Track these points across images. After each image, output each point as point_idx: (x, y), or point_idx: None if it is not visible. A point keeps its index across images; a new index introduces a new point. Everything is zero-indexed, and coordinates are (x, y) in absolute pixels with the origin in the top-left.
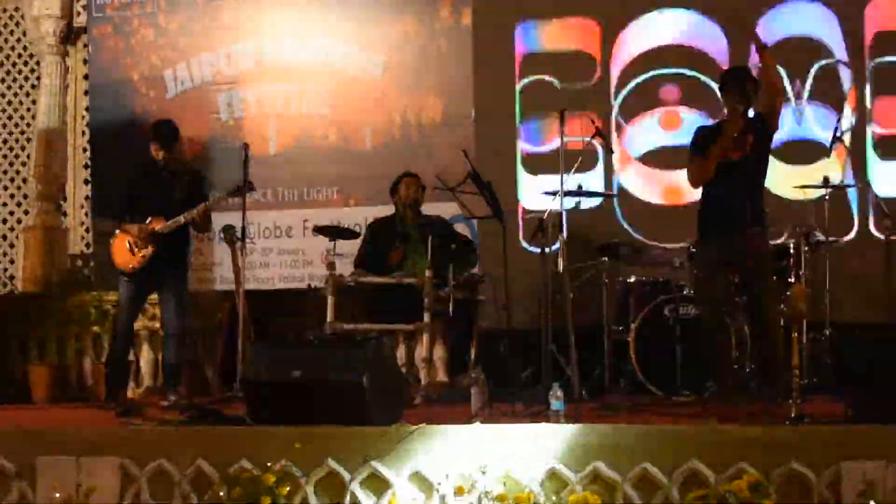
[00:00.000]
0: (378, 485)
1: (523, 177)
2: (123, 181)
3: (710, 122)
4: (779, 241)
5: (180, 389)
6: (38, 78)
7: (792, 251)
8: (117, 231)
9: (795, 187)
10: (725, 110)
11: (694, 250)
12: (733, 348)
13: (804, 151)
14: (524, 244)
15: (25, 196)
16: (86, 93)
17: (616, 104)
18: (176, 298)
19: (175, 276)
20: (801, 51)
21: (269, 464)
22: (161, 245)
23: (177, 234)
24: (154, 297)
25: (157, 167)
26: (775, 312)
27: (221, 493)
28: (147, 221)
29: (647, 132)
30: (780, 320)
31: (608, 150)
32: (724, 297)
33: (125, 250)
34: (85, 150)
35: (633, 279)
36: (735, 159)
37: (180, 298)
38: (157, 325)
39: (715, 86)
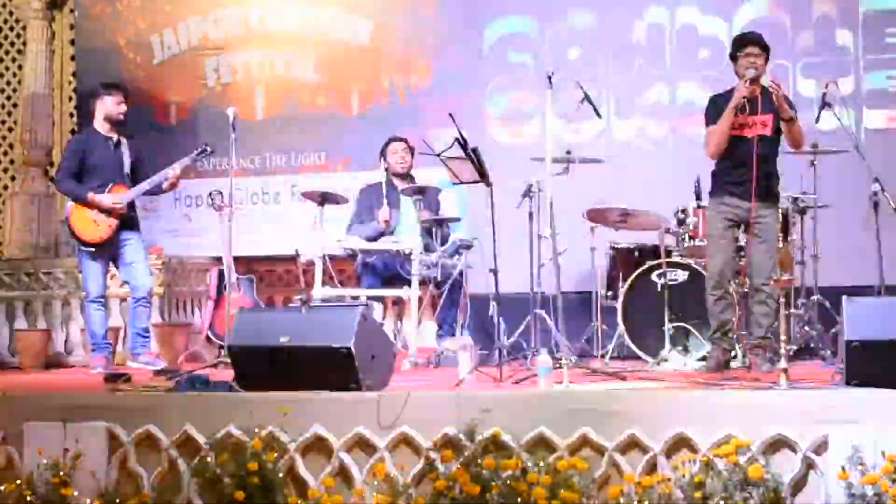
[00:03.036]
0: (365, 450)
1: (511, 141)
2: (66, 154)
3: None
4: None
5: (150, 351)
6: (24, 43)
7: (780, 217)
8: (73, 205)
9: (785, 153)
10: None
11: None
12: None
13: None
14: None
15: (12, 162)
16: (72, 58)
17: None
18: (143, 262)
19: (136, 240)
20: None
21: (256, 429)
22: (121, 213)
23: (130, 201)
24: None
25: (104, 136)
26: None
27: (209, 459)
28: (107, 190)
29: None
30: (778, 294)
31: (596, 115)
32: (730, 258)
33: (90, 222)
34: (72, 115)
35: (621, 244)
36: (752, 137)
37: (145, 261)
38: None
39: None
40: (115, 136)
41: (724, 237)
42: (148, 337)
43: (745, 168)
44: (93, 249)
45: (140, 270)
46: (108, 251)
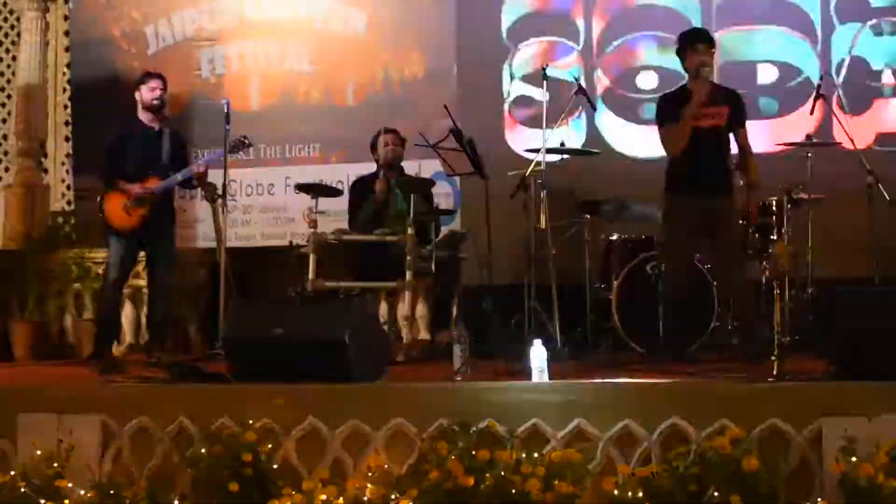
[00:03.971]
0: (359, 442)
1: (506, 133)
2: (106, 139)
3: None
4: (762, 200)
5: (165, 347)
6: (19, 34)
7: (774, 209)
8: (108, 191)
9: (778, 144)
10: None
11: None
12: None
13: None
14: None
15: (6, 153)
16: (66, 49)
17: (600, 62)
18: (167, 256)
19: (166, 233)
20: None
21: (250, 421)
22: (154, 204)
23: (166, 192)
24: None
25: (144, 127)
26: (740, 276)
27: (203, 451)
28: (142, 180)
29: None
30: (746, 282)
31: (591, 107)
32: (688, 256)
33: (120, 210)
34: (66, 106)
35: (615, 236)
36: (707, 127)
37: (171, 256)
38: (140, 283)
39: None
40: (155, 126)
41: (682, 237)
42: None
43: (703, 161)
44: (119, 236)
45: (161, 266)
46: (136, 240)
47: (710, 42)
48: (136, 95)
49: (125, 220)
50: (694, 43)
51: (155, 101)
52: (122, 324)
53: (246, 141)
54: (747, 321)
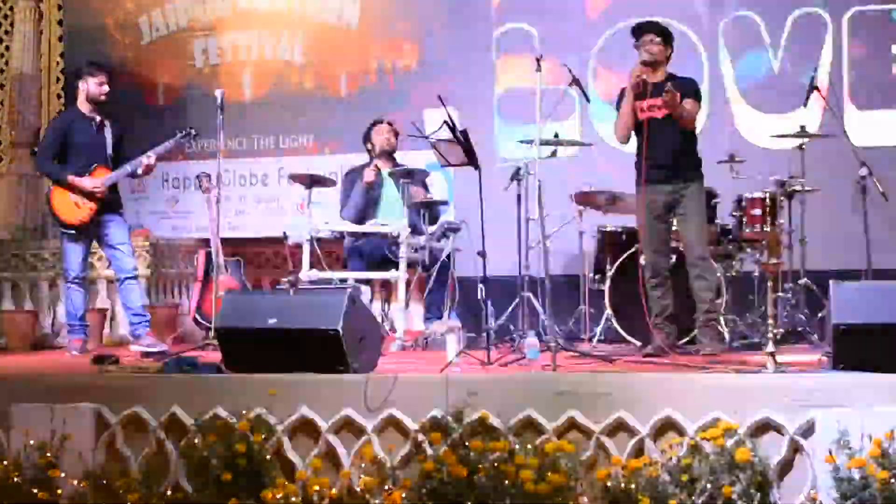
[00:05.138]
0: (353, 432)
1: (499, 124)
2: (45, 132)
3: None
4: (755, 192)
5: (151, 333)
6: (12, 24)
7: (768, 201)
8: (53, 186)
9: (772, 136)
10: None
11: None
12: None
13: (781, 100)
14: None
15: None
16: (60, 39)
17: (594, 52)
18: (126, 242)
19: (119, 222)
20: None
21: (243, 411)
22: (103, 196)
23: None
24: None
25: (87, 117)
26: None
27: (196, 441)
28: (89, 173)
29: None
30: (715, 268)
31: (585, 99)
32: (663, 244)
33: (71, 204)
34: (59, 96)
35: (608, 228)
36: (661, 118)
37: (129, 243)
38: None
39: (693, 35)
40: (97, 118)
41: (653, 224)
42: (146, 317)
43: (659, 150)
44: (73, 231)
45: (124, 251)
46: (89, 233)
47: (652, 31)
48: (81, 85)
49: (76, 215)
50: (638, 34)
51: (102, 97)
52: (116, 312)
53: (192, 131)
54: (711, 304)
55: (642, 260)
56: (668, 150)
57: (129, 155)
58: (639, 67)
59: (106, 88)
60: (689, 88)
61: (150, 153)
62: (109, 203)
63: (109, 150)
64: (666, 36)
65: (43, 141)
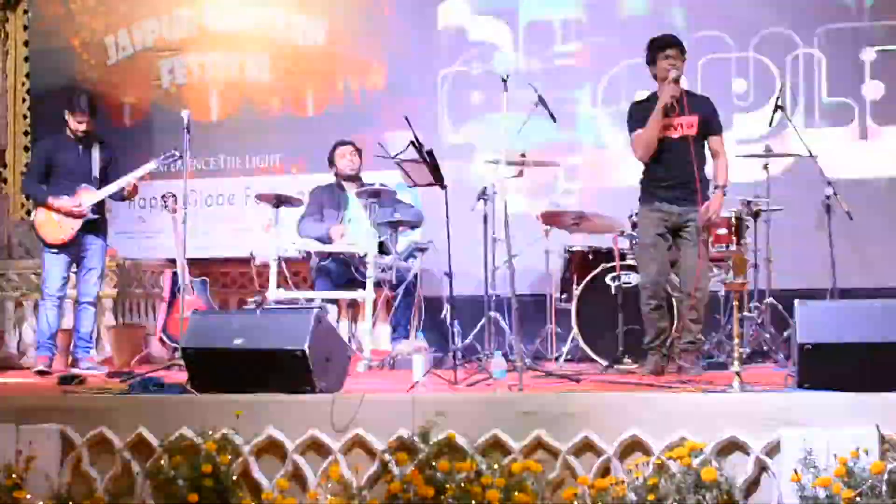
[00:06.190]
0: (319, 452)
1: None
2: (35, 151)
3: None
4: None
5: (90, 358)
6: None
7: (734, 220)
8: (40, 206)
9: (738, 156)
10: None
11: (636, 218)
12: (667, 318)
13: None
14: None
15: None
16: (26, 59)
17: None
18: (100, 268)
19: (100, 246)
20: (747, 19)
21: (210, 432)
22: (87, 215)
23: (98, 204)
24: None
25: (73, 140)
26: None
27: (162, 461)
28: (74, 194)
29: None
30: (708, 292)
31: (551, 118)
32: (666, 265)
33: (54, 224)
34: (25, 116)
35: (575, 247)
36: (678, 137)
37: (103, 268)
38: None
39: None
40: (84, 140)
41: (658, 245)
42: (91, 342)
43: (674, 171)
44: (55, 250)
45: (93, 276)
46: (70, 252)
47: (676, 47)
48: (65, 115)
49: (58, 234)
50: (661, 49)
51: (79, 133)
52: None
53: (176, 153)
54: (697, 335)
55: (642, 280)
56: (683, 171)
57: (119, 177)
58: (672, 86)
59: (83, 126)
60: (714, 119)
61: (135, 173)
62: (93, 224)
63: (96, 172)
64: (683, 50)
65: (29, 164)
